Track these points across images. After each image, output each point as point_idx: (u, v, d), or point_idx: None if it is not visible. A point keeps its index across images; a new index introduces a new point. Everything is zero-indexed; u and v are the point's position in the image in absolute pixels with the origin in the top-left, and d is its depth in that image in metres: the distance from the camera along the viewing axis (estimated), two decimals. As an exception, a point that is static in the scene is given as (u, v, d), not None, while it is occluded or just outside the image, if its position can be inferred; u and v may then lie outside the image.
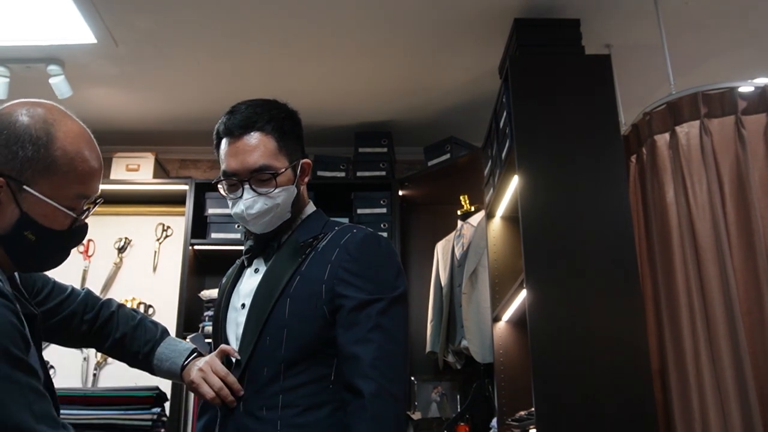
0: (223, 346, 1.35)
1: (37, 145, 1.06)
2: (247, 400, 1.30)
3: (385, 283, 1.33)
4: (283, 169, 1.36)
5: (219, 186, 1.40)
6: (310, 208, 1.48)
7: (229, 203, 1.39)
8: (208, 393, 1.30)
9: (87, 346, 1.48)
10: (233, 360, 1.34)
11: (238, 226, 3.30)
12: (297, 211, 1.43)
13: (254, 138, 1.35)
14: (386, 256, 1.38)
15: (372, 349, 1.24)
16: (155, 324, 1.48)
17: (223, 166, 1.38)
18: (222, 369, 1.31)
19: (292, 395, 1.27)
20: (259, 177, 1.34)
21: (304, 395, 1.27)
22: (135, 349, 1.42)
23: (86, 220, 1.16)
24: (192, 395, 3.09)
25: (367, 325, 1.27)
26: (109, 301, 1.48)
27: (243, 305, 1.38)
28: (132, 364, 1.46)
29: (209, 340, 1.54)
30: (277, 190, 1.35)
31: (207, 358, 1.36)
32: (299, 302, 1.31)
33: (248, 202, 1.35)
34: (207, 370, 1.32)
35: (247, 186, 1.35)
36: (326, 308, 1.30)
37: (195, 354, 1.40)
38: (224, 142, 1.38)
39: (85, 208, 1.14)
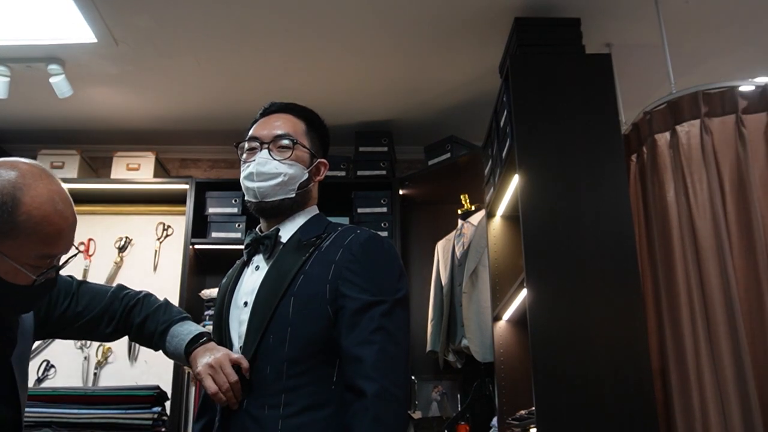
0: (244, 363, 1.31)
1: (2, 210, 1.10)
2: (248, 399, 1.29)
3: (388, 285, 1.33)
4: (303, 146, 1.45)
5: (239, 150, 1.47)
6: (315, 210, 1.50)
7: (243, 168, 1.45)
8: (211, 387, 1.28)
9: (119, 337, 1.51)
10: (245, 374, 1.31)
11: (239, 225, 3.31)
12: (302, 202, 1.45)
13: (285, 116, 1.48)
14: (389, 258, 1.39)
15: (374, 351, 1.24)
16: (181, 310, 1.48)
17: (249, 134, 1.47)
18: (232, 373, 1.29)
19: (294, 394, 1.27)
20: (279, 143, 1.43)
21: (306, 395, 1.27)
22: (152, 329, 1.43)
23: (54, 274, 1.22)
24: (192, 394, 3.09)
25: (370, 326, 1.27)
26: (139, 291, 1.51)
27: (245, 303, 1.38)
28: (150, 346, 1.47)
29: None
30: (291, 161, 1.42)
31: (219, 356, 1.32)
32: (304, 302, 1.31)
33: (262, 161, 1.42)
34: (217, 369, 1.30)
35: (265, 150, 1.43)
36: (330, 309, 1.30)
37: (204, 338, 1.38)
38: (258, 121, 1.49)
39: (55, 263, 1.21)
